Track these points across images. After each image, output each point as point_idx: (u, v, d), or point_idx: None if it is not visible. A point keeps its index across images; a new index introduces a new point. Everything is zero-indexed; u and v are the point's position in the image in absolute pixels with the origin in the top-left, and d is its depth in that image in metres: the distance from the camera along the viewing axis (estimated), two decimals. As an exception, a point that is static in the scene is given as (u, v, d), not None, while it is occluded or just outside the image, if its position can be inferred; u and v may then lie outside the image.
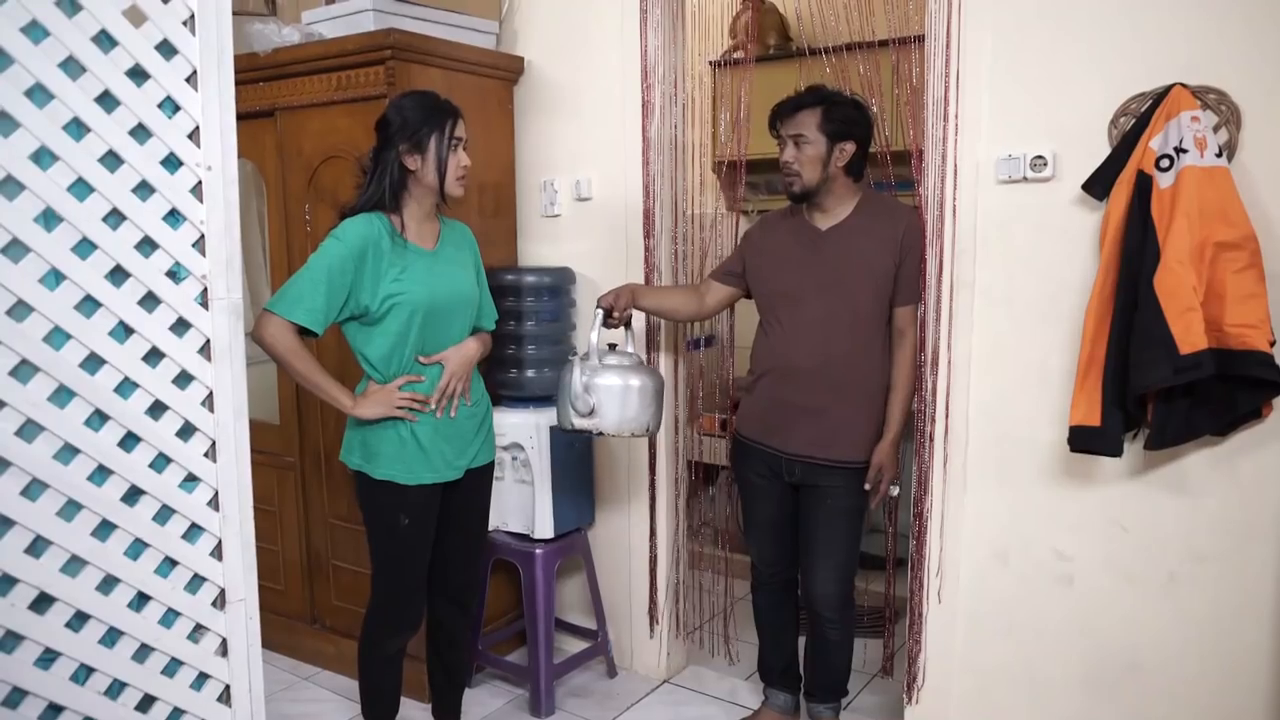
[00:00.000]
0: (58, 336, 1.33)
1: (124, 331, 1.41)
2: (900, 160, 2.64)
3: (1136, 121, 2.06)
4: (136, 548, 1.44)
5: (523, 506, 2.84)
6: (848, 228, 2.34)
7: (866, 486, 2.35)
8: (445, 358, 2.17)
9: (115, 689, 1.43)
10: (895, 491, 2.39)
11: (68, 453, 1.35)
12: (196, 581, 1.51)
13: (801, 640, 2.62)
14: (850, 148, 2.29)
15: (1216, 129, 1.99)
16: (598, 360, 2.26)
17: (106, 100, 1.36)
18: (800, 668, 2.65)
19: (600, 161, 2.91)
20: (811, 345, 2.33)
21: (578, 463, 2.92)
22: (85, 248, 1.35)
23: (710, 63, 3.52)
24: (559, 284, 2.92)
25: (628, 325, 2.46)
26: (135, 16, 1.38)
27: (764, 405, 2.43)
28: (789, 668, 2.65)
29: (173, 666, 1.50)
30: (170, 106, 1.43)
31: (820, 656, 2.52)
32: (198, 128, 1.46)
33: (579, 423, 2.24)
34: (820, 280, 2.33)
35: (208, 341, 1.49)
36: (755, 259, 2.46)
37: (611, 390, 2.24)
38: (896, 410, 2.36)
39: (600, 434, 2.28)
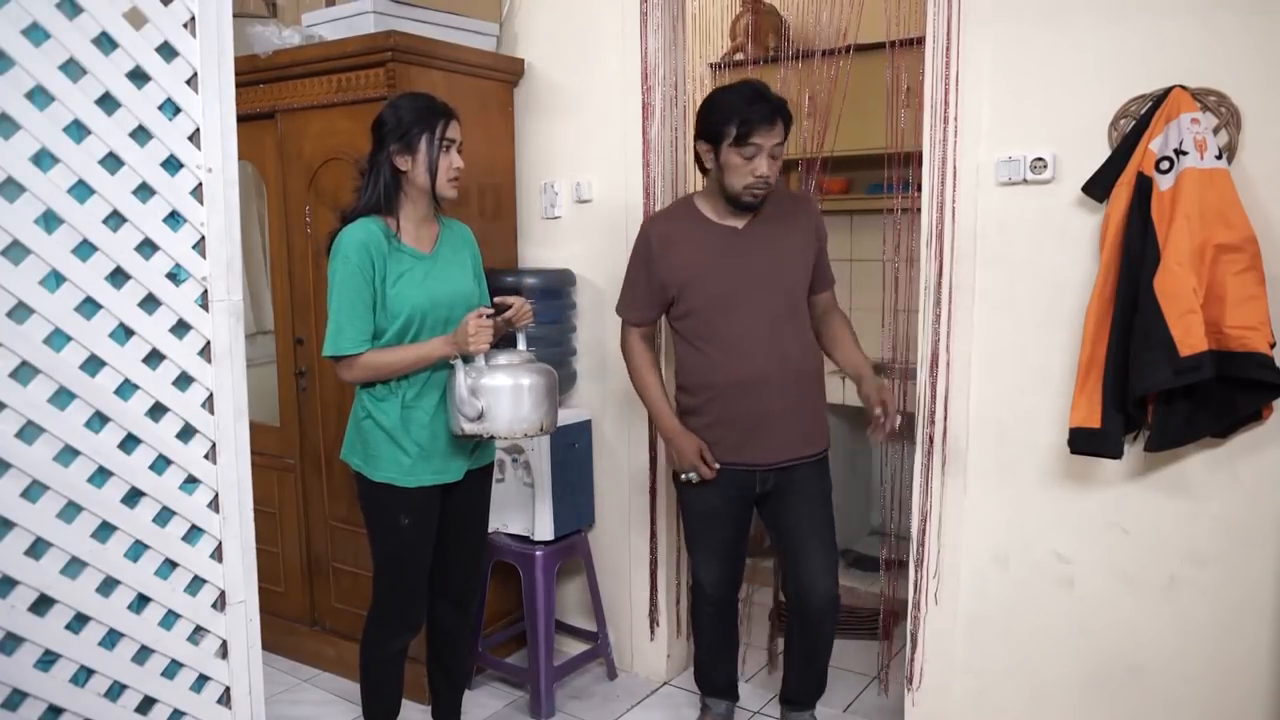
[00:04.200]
0: (58, 338, 1.33)
1: (124, 333, 1.41)
2: (899, 162, 2.64)
3: (1136, 123, 2.06)
4: (136, 549, 1.44)
5: (523, 508, 2.84)
6: (762, 222, 2.27)
7: (878, 411, 2.21)
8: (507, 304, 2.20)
9: (115, 691, 1.43)
10: (898, 421, 2.36)
11: (68, 454, 1.35)
12: (196, 583, 1.51)
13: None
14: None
15: (1216, 131, 1.99)
16: (484, 361, 2.13)
17: (107, 102, 1.36)
18: (737, 674, 2.62)
19: (600, 164, 2.91)
20: (766, 349, 2.24)
21: (578, 464, 2.92)
22: (86, 250, 1.35)
23: (710, 65, 3.52)
24: (559, 286, 2.92)
25: (510, 336, 2.26)
26: (136, 19, 1.38)
27: (729, 424, 2.28)
28: (731, 677, 2.61)
29: (173, 668, 1.50)
30: (170, 108, 1.43)
31: (811, 658, 2.43)
32: (198, 130, 1.46)
33: (469, 428, 2.10)
34: (754, 281, 2.24)
35: (208, 343, 1.49)
36: (674, 275, 2.27)
37: (500, 391, 2.09)
38: (859, 353, 2.34)
39: (492, 437, 2.15)
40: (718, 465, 2.30)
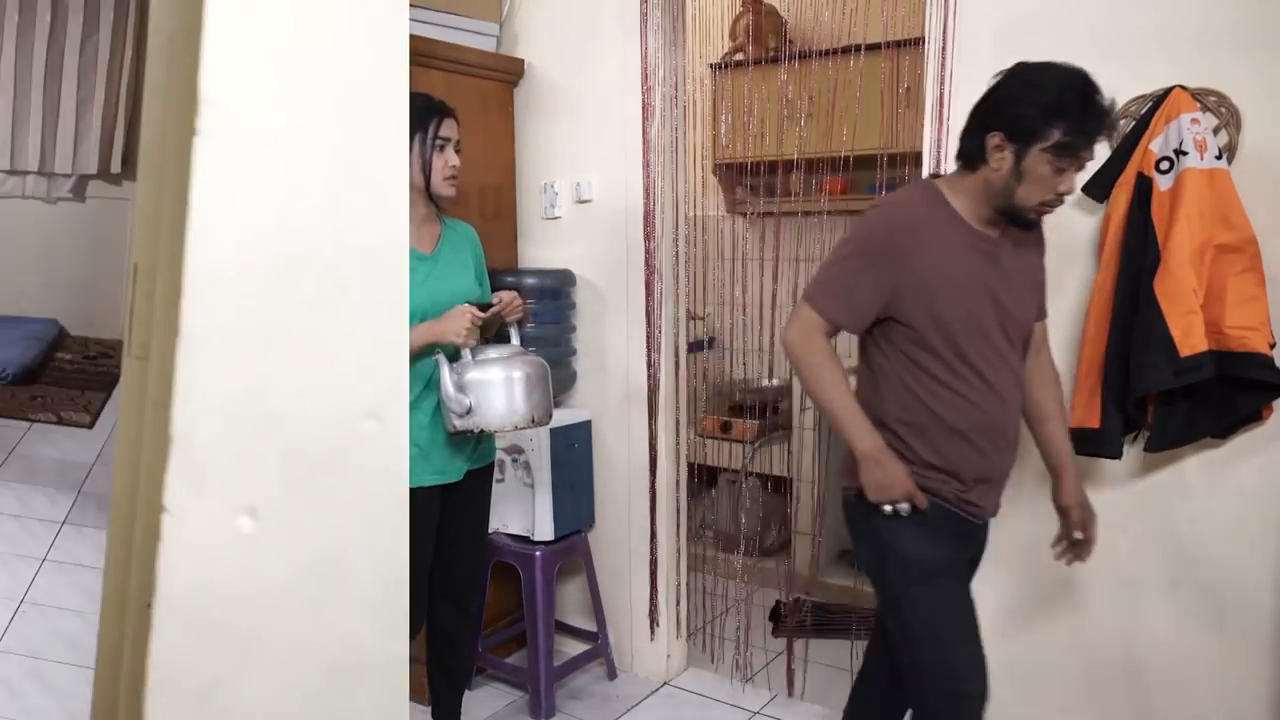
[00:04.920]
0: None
1: (123, 334, 1.41)
2: (899, 163, 2.64)
3: (1136, 124, 2.07)
4: (136, 550, 1.44)
5: (523, 508, 2.84)
6: (1010, 234, 1.82)
7: (1078, 535, 1.95)
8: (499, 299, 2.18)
9: (114, 691, 1.43)
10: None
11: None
12: (196, 584, 1.51)
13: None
14: None
15: (1216, 131, 1.99)
16: (470, 356, 2.09)
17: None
18: None
19: (601, 164, 2.91)
20: (1012, 388, 1.84)
21: (578, 465, 2.92)
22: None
23: (710, 65, 3.53)
24: (559, 286, 2.92)
25: (504, 333, 2.20)
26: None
27: (966, 478, 1.84)
28: None
29: (172, 669, 1.50)
30: (170, 109, 1.43)
31: None
32: (197, 130, 1.46)
33: (459, 424, 2.06)
34: (1007, 303, 1.80)
35: (207, 344, 1.49)
36: (920, 278, 1.76)
37: (488, 384, 2.06)
38: (1068, 442, 1.96)
39: (482, 431, 2.11)
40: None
